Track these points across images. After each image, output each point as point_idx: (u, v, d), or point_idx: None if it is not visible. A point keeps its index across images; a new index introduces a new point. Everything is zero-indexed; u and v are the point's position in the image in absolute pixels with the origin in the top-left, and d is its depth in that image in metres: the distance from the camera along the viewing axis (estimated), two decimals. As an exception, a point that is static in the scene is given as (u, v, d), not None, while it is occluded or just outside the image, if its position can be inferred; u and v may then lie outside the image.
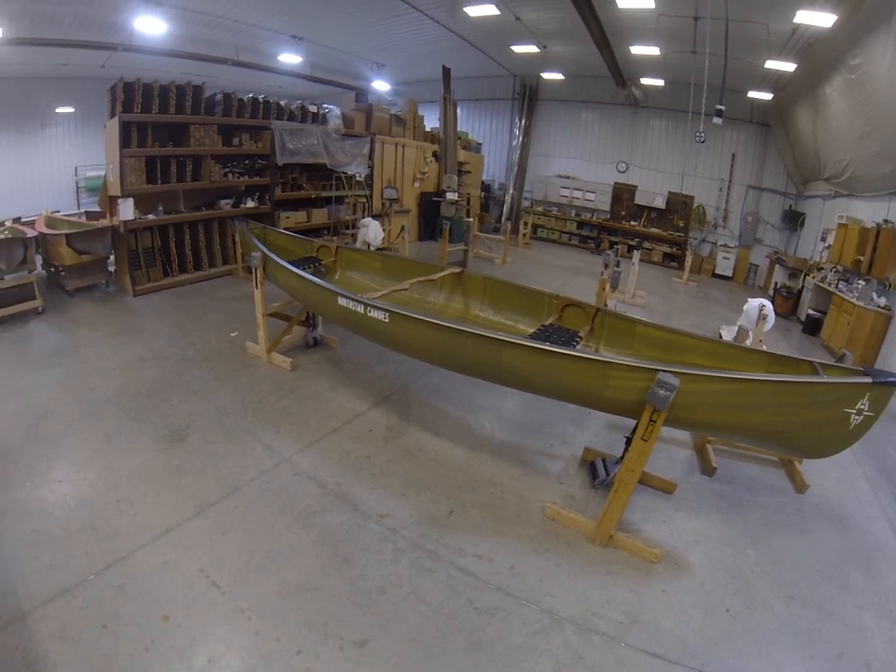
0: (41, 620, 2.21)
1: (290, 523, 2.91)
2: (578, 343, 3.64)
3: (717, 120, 8.43)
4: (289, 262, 4.40)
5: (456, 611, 2.43)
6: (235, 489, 3.16)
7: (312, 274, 4.17)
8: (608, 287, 7.41)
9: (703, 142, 10.19)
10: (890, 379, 2.45)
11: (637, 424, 3.15)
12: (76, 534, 2.72)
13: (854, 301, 7.40)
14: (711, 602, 2.61)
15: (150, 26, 9.39)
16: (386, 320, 3.42)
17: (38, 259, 6.56)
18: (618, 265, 6.92)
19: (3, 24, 8.48)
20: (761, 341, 4.93)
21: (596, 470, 3.47)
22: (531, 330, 3.96)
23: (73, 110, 13.62)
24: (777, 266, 11.63)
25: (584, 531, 2.98)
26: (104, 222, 6.94)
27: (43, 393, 4.16)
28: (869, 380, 2.42)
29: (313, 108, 9.07)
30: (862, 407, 2.45)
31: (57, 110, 13.42)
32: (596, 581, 2.66)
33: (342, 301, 3.67)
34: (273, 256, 4.45)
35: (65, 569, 2.48)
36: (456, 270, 4.58)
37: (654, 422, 2.59)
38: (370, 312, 3.48)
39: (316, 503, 3.09)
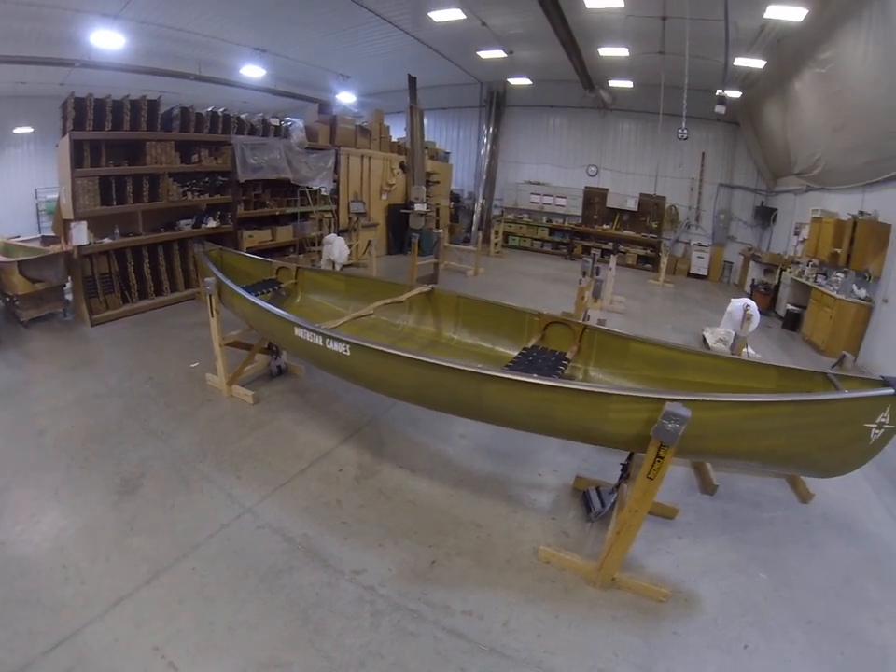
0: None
1: (255, 586, 2.60)
2: (565, 366, 3.29)
3: (719, 108, 8.42)
4: (246, 287, 4.07)
5: (446, 682, 2.16)
6: (192, 548, 2.83)
7: (271, 299, 3.89)
8: (587, 295, 7.27)
9: (685, 138, 10.07)
10: None
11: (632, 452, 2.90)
12: (19, 607, 2.42)
13: (834, 294, 7.40)
14: (727, 640, 2.42)
15: (108, 41, 9.13)
16: (347, 353, 3.04)
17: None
18: (597, 272, 6.76)
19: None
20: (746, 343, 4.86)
21: (591, 501, 3.19)
22: (512, 354, 3.59)
23: (32, 130, 13.16)
24: (751, 263, 11.71)
25: (583, 573, 2.71)
26: (55, 248, 6.59)
27: (-13, 439, 3.82)
28: (891, 391, 2.25)
29: (275, 122, 8.82)
30: (883, 420, 2.28)
31: (15, 130, 12.96)
32: (601, 631, 2.42)
33: (298, 332, 3.31)
34: (227, 281, 4.10)
35: (10, 650, 2.19)
36: (425, 288, 4.24)
37: (662, 458, 2.25)
38: (329, 344, 3.11)
39: (283, 561, 2.77)
